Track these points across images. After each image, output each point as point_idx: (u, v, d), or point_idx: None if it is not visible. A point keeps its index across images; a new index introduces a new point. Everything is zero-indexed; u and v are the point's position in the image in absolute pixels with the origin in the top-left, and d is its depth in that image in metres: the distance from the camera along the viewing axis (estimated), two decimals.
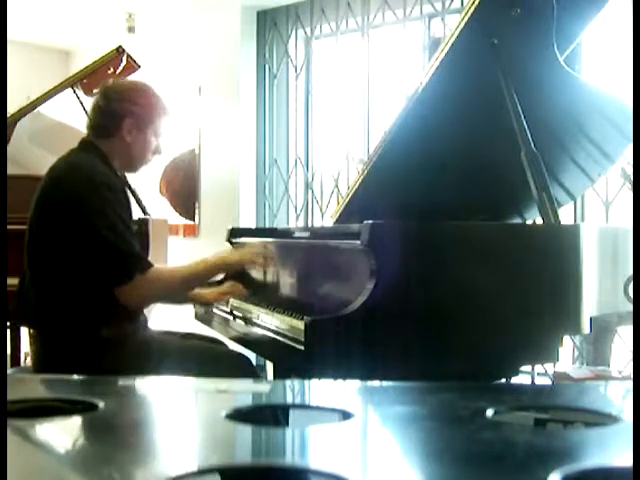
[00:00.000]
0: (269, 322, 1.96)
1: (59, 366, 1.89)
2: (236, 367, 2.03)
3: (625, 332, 2.80)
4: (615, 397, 1.10)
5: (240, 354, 2.11)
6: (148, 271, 1.89)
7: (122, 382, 1.10)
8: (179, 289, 2.09)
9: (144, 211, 3.13)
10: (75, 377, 1.12)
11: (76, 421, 0.86)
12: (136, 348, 1.96)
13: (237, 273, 2.41)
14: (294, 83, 4.60)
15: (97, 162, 1.99)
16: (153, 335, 2.12)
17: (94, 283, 1.88)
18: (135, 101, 2.02)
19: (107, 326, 1.91)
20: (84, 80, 3.28)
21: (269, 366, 2.33)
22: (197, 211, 4.80)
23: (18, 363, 3.21)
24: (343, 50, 4.34)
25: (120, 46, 3.33)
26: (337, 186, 4.31)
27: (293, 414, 0.94)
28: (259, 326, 2.00)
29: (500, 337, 1.76)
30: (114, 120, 2.01)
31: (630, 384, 1.19)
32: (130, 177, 2.58)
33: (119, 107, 2.01)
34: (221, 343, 2.25)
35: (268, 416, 0.94)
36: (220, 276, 2.42)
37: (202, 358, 2.00)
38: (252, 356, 2.24)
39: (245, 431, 0.81)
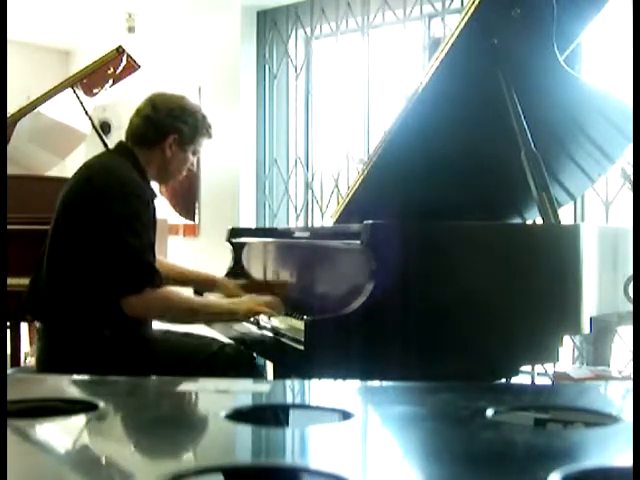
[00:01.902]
0: (269, 322, 1.96)
1: (63, 362, 1.90)
2: (237, 364, 2.04)
3: (625, 332, 2.80)
4: (615, 397, 1.10)
5: (241, 351, 2.11)
6: (159, 288, 1.89)
7: (122, 382, 1.10)
8: (182, 317, 2.01)
9: None
10: (75, 377, 1.12)
11: (76, 421, 0.86)
12: (138, 346, 1.97)
13: (237, 273, 2.41)
14: (294, 83, 4.60)
15: (131, 169, 1.99)
16: (155, 334, 2.12)
17: (106, 286, 1.88)
18: (184, 119, 2.03)
19: (112, 326, 1.92)
20: (84, 80, 3.28)
21: (269, 366, 2.33)
22: (197, 211, 4.80)
23: (18, 363, 3.21)
24: (343, 50, 4.34)
25: (120, 46, 3.32)
26: (337, 186, 4.30)
27: (293, 414, 0.94)
28: (259, 326, 2.00)
29: (500, 337, 1.76)
30: (159, 133, 2.02)
31: (630, 384, 1.19)
32: None
33: (167, 121, 2.02)
34: (221, 342, 2.25)
35: (268, 416, 0.94)
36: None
37: (203, 355, 2.02)
38: None
39: (245, 431, 0.81)
